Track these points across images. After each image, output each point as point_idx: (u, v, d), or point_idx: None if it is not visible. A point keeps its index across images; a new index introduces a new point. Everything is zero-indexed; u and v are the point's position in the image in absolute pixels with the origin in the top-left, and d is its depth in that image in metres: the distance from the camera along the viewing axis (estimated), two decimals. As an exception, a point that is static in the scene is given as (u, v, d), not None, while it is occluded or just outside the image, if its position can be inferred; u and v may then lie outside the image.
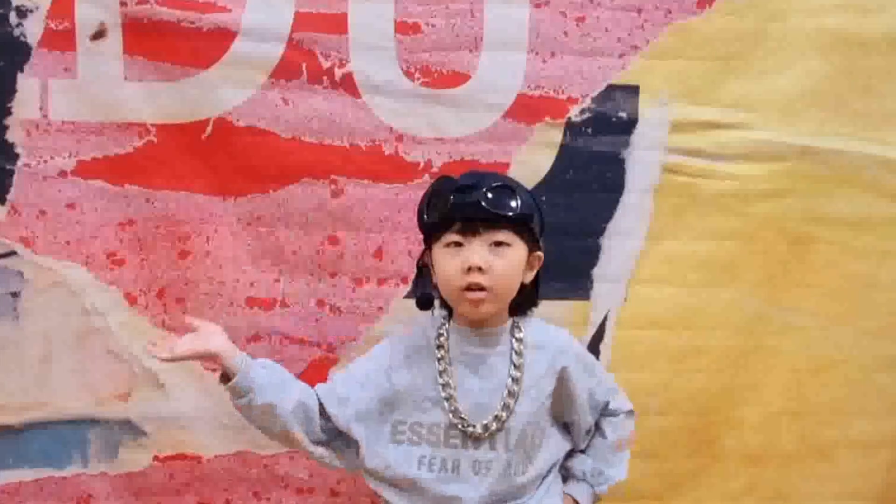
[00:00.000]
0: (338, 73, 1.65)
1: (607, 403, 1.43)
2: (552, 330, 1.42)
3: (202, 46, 1.61)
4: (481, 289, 1.29)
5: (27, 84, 1.61)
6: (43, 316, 1.66)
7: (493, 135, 1.68)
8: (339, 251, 1.68)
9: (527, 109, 1.68)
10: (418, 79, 1.66)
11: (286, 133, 1.65)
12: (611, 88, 1.68)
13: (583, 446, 1.44)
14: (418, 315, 1.40)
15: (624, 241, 1.71)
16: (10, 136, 1.62)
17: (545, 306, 1.43)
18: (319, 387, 1.38)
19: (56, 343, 1.66)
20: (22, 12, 1.60)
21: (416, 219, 1.38)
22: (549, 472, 1.39)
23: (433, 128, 1.67)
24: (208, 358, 1.32)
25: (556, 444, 1.39)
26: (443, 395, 1.33)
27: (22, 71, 1.61)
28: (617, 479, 1.43)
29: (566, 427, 1.42)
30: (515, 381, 1.34)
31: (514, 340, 1.36)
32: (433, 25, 1.65)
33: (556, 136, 1.69)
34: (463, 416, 1.32)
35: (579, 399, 1.38)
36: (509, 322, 1.37)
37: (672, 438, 1.76)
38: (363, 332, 1.69)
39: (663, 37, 1.68)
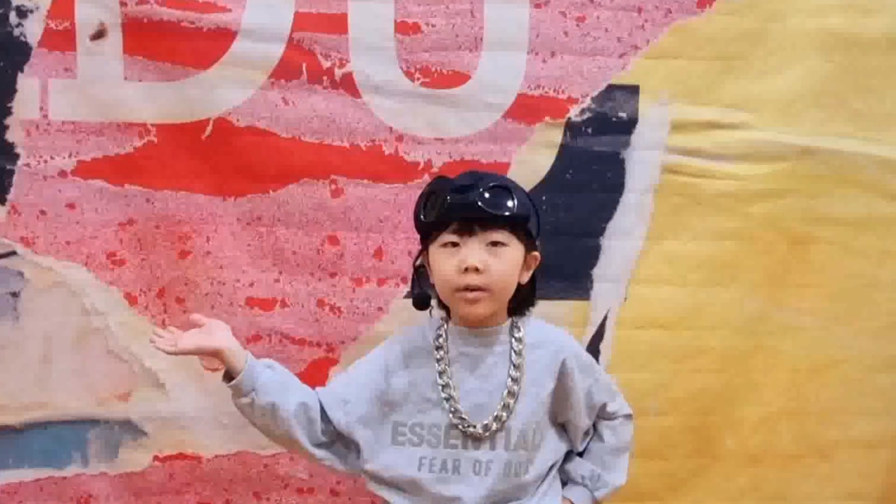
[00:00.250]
0: (338, 73, 1.65)
1: (605, 405, 1.42)
2: (551, 329, 1.42)
3: (202, 46, 1.61)
4: (478, 289, 1.29)
5: (27, 84, 1.61)
6: (43, 316, 1.66)
7: (493, 135, 1.68)
8: (339, 251, 1.68)
9: (527, 109, 1.68)
10: (418, 79, 1.66)
11: (286, 133, 1.65)
12: (611, 88, 1.68)
13: (581, 448, 1.43)
14: (418, 315, 1.40)
15: (624, 241, 1.71)
16: (10, 136, 1.62)
17: (545, 306, 1.44)
18: (319, 390, 1.38)
19: (56, 343, 1.66)
20: (22, 12, 1.60)
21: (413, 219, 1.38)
22: (548, 472, 1.39)
23: (433, 128, 1.67)
24: (212, 355, 1.31)
25: (555, 445, 1.39)
26: (443, 395, 1.33)
27: (22, 71, 1.61)
28: (616, 485, 1.42)
29: (564, 428, 1.42)
30: (515, 380, 1.34)
31: (513, 340, 1.36)
32: (433, 25, 1.65)
33: (556, 136, 1.69)
34: (463, 416, 1.32)
35: (577, 399, 1.38)
36: (508, 322, 1.37)
37: (672, 438, 1.76)
38: (363, 332, 1.69)
39: (663, 37, 1.68)
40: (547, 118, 1.68)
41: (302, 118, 1.65)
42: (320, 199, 1.67)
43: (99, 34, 1.60)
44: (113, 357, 1.67)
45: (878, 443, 1.80)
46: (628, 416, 1.46)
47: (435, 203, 1.30)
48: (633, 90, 1.69)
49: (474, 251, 1.28)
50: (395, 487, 1.35)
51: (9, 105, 1.61)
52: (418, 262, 1.40)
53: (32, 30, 1.60)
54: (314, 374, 1.68)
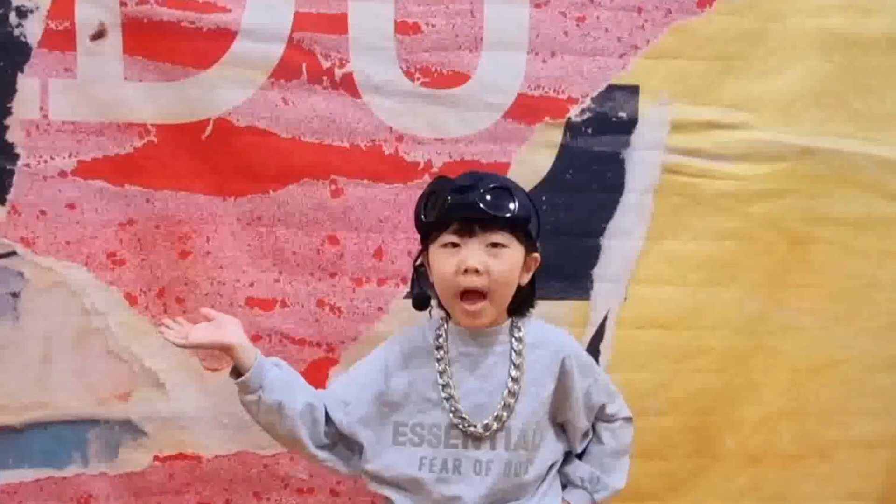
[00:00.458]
0: (338, 73, 1.65)
1: (604, 406, 1.42)
2: (551, 329, 1.42)
3: (202, 46, 1.61)
4: (478, 294, 1.29)
5: (27, 84, 1.61)
6: (43, 316, 1.66)
7: (493, 135, 1.68)
8: (339, 251, 1.68)
9: (527, 109, 1.68)
10: (418, 79, 1.66)
11: (286, 133, 1.65)
12: (611, 88, 1.68)
13: (579, 449, 1.43)
14: (418, 315, 1.40)
15: (624, 241, 1.71)
16: (10, 136, 1.62)
17: (545, 306, 1.44)
18: (320, 392, 1.38)
19: (56, 343, 1.66)
20: (22, 12, 1.60)
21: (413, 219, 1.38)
22: (547, 472, 1.38)
23: (433, 128, 1.67)
24: (222, 349, 1.30)
25: (554, 445, 1.39)
26: (443, 395, 1.33)
27: (22, 71, 1.61)
28: (616, 488, 1.41)
29: (563, 428, 1.42)
30: (515, 380, 1.33)
31: (513, 340, 1.36)
32: (433, 25, 1.65)
33: (556, 136, 1.69)
34: (463, 416, 1.32)
35: (576, 399, 1.37)
36: (508, 322, 1.37)
37: (672, 438, 1.76)
38: (363, 332, 1.69)
39: (663, 37, 1.68)
40: (547, 118, 1.68)
41: (302, 118, 1.65)
42: (320, 199, 1.67)
43: (99, 34, 1.60)
44: (113, 357, 1.67)
45: (878, 443, 1.80)
46: (628, 419, 1.46)
47: (435, 203, 1.30)
48: (633, 90, 1.69)
49: (474, 252, 1.28)
50: (396, 487, 1.35)
51: (9, 105, 1.61)
52: (418, 263, 1.39)
53: (32, 30, 1.60)
54: (314, 374, 1.68)
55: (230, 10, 1.61)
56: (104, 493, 1.70)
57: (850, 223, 1.73)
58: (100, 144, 1.63)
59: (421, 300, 1.37)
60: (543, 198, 1.65)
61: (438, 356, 1.35)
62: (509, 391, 1.33)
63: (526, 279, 1.35)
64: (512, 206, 1.29)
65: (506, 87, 1.67)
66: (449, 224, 1.29)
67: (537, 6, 1.66)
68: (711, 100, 1.69)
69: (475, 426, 1.32)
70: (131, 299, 1.67)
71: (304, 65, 1.64)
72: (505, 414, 1.32)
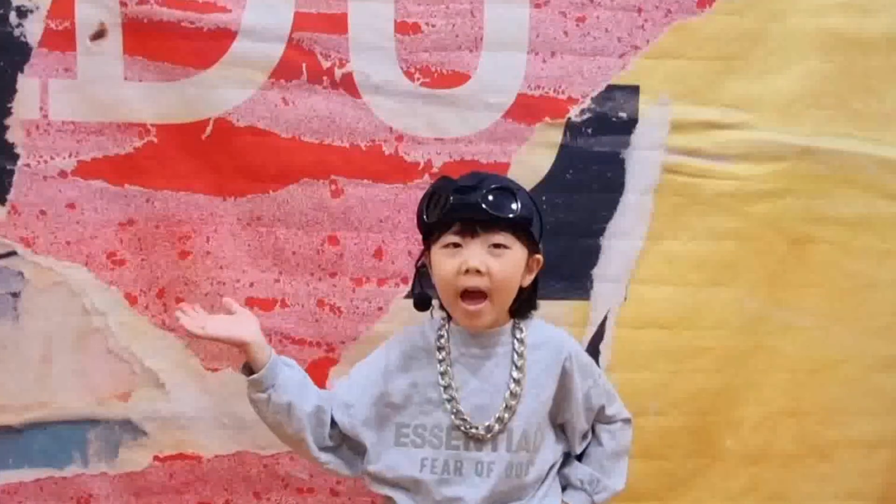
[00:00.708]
0: (338, 73, 1.65)
1: (603, 408, 1.42)
2: (552, 330, 1.42)
3: (202, 46, 1.61)
4: (480, 294, 1.29)
5: (27, 84, 1.61)
6: (43, 316, 1.66)
7: (493, 135, 1.68)
8: (339, 251, 1.68)
9: (527, 109, 1.67)
10: (418, 79, 1.66)
11: (286, 133, 1.65)
12: (611, 88, 1.68)
13: (578, 451, 1.43)
14: (418, 315, 1.40)
15: (624, 241, 1.71)
16: (10, 136, 1.62)
17: (545, 306, 1.43)
18: (327, 395, 1.38)
19: (56, 343, 1.66)
20: (22, 12, 1.60)
21: (415, 219, 1.37)
22: (548, 473, 1.38)
23: (433, 128, 1.67)
24: (238, 345, 1.29)
25: (554, 446, 1.39)
26: (444, 396, 1.33)
27: (22, 71, 1.61)
28: (615, 489, 1.41)
29: (563, 429, 1.42)
30: (517, 382, 1.33)
31: (515, 341, 1.35)
32: (433, 25, 1.65)
33: (556, 136, 1.69)
34: (465, 417, 1.32)
35: (575, 400, 1.37)
36: (510, 323, 1.37)
37: (672, 438, 1.76)
38: (363, 332, 1.69)
39: (663, 37, 1.68)
40: (547, 118, 1.68)
41: (302, 118, 1.65)
42: (320, 199, 1.67)
43: (99, 34, 1.60)
44: (113, 357, 1.67)
45: (878, 443, 1.80)
46: (627, 421, 1.46)
47: (437, 203, 1.30)
48: (633, 90, 1.69)
49: (476, 253, 1.28)
50: (397, 488, 1.35)
51: (9, 105, 1.61)
52: (420, 263, 1.39)
53: (32, 30, 1.60)
54: (314, 374, 1.66)
55: (230, 10, 1.61)
56: (104, 493, 1.70)
57: (850, 223, 1.73)
58: (100, 144, 1.63)
59: (422, 301, 1.37)
60: (543, 198, 1.65)
61: (440, 357, 1.35)
62: (511, 392, 1.33)
63: (528, 280, 1.35)
64: (514, 206, 1.28)
65: (506, 87, 1.67)
66: (451, 224, 1.29)
67: (537, 6, 1.66)
68: (711, 100, 1.69)
69: (477, 427, 1.32)
70: (131, 299, 1.67)
71: (304, 65, 1.64)
72: (506, 415, 1.32)
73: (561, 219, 1.66)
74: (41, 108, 1.62)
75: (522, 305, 1.37)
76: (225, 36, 1.61)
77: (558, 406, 1.38)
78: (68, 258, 1.65)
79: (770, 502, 1.80)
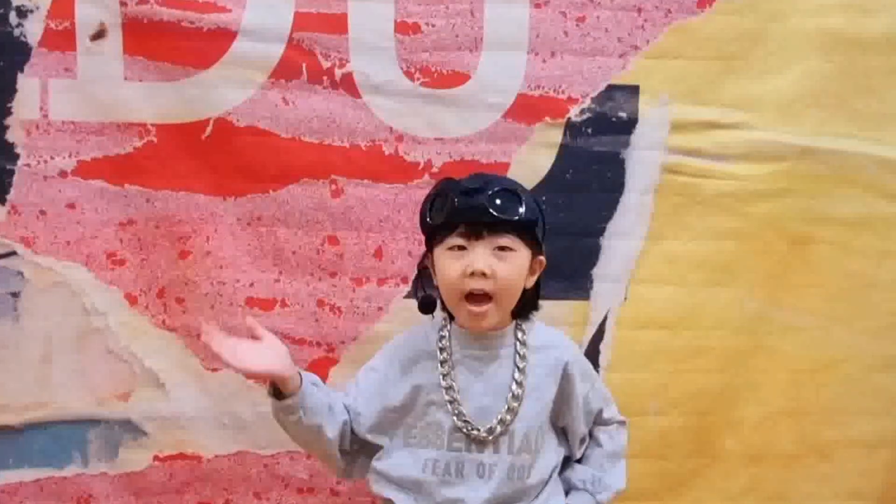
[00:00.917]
0: (338, 73, 1.65)
1: (601, 411, 1.42)
2: (553, 333, 1.41)
3: (202, 46, 1.61)
4: (485, 296, 1.28)
5: (27, 84, 1.61)
6: (43, 316, 1.66)
7: (493, 135, 1.68)
8: (339, 251, 1.68)
9: (527, 109, 1.67)
10: (418, 79, 1.66)
11: (286, 133, 1.65)
12: (611, 88, 1.68)
13: (578, 455, 1.42)
14: (419, 316, 1.40)
15: (624, 241, 1.71)
16: (10, 136, 1.62)
17: (545, 306, 1.43)
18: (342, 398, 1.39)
19: (56, 343, 1.66)
20: (22, 12, 1.60)
21: (415, 219, 1.37)
22: (550, 476, 1.38)
23: (433, 128, 1.67)
24: (268, 378, 1.28)
25: (556, 449, 1.39)
26: (446, 398, 1.32)
27: (22, 71, 1.61)
28: (617, 488, 1.40)
29: (564, 432, 1.41)
30: (519, 384, 1.33)
31: (517, 343, 1.35)
32: (433, 25, 1.65)
33: (556, 136, 1.69)
34: (467, 419, 1.32)
35: (576, 404, 1.37)
36: (512, 325, 1.37)
37: (672, 438, 1.76)
38: (363, 332, 1.69)
39: (663, 37, 1.68)
40: (547, 118, 1.68)
41: (302, 118, 1.65)
42: (320, 199, 1.67)
43: (99, 34, 1.60)
44: (113, 357, 1.67)
45: (878, 443, 1.80)
46: (622, 424, 1.45)
47: (442, 205, 1.29)
48: (633, 90, 1.69)
49: (481, 255, 1.27)
50: (400, 487, 1.35)
51: (9, 105, 1.61)
52: (421, 264, 1.39)
53: (32, 30, 1.60)
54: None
55: (230, 10, 1.61)
56: (104, 493, 1.70)
57: (850, 223, 1.73)
58: (100, 144, 1.63)
59: (427, 304, 1.37)
60: (543, 198, 1.64)
61: (441, 358, 1.34)
62: (513, 394, 1.32)
63: (531, 282, 1.35)
64: (520, 209, 1.28)
65: (506, 87, 1.67)
66: (455, 226, 1.28)
67: (537, 6, 1.66)
68: (711, 100, 1.69)
69: (478, 429, 1.31)
70: (131, 299, 1.67)
71: (304, 65, 1.64)
72: (508, 417, 1.32)
73: (561, 219, 1.66)
74: (41, 108, 1.62)
75: (524, 307, 1.36)
76: (225, 36, 1.61)
77: (559, 409, 1.37)
78: (68, 258, 1.65)
79: (770, 502, 1.80)
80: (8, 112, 1.61)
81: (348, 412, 1.36)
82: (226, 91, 1.63)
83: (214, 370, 1.69)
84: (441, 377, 1.33)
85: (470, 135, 1.68)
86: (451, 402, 1.32)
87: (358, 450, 1.38)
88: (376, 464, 1.37)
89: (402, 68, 1.65)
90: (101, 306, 1.66)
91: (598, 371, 1.71)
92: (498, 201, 1.27)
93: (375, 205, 1.67)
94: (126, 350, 1.67)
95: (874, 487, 1.81)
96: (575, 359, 1.38)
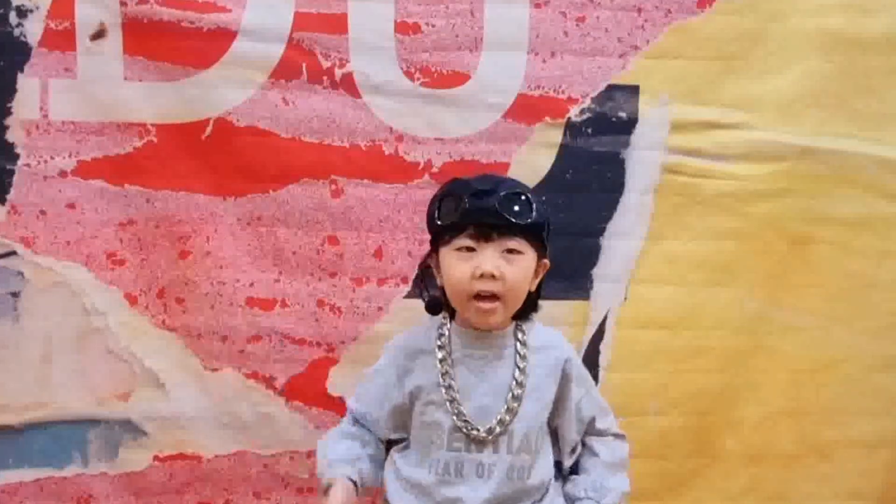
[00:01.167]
0: (338, 73, 1.65)
1: (594, 420, 1.39)
2: (552, 334, 1.41)
3: (202, 46, 1.61)
4: (493, 296, 1.28)
5: (27, 84, 1.61)
6: (43, 316, 1.66)
7: (493, 135, 1.68)
8: (339, 251, 1.68)
9: (527, 109, 1.67)
10: (418, 79, 1.66)
11: (286, 133, 1.65)
12: (611, 88, 1.68)
13: (567, 463, 1.40)
14: (418, 315, 1.40)
15: (624, 241, 1.71)
16: (10, 136, 1.62)
17: (545, 306, 1.43)
18: (354, 408, 1.40)
19: (56, 343, 1.66)
20: (22, 12, 1.60)
21: (416, 219, 1.37)
22: (550, 478, 1.38)
23: (433, 128, 1.67)
24: None
25: (551, 449, 1.39)
26: (446, 397, 1.32)
27: (22, 71, 1.61)
28: (622, 489, 1.37)
29: (555, 434, 1.40)
30: (520, 384, 1.33)
31: (517, 343, 1.35)
32: (433, 25, 1.65)
33: (556, 136, 1.69)
34: (467, 418, 1.31)
35: (569, 408, 1.37)
36: (512, 325, 1.37)
37: (672, 438, 1.76)
38: (363, 332, 1.69)
39: (663, 37, 1.68)
40: (547, 118, 1.68)
41: (302, 118, 1.65)
42: (320, 199, 1.67)
43: (99, 34, 1.60)
44: (113, 357, 1.67)
45: (878, 443, 1.80)
46: (620, 437, 1.42)
47: (452, 206, 1.28)
48: (633, 90, 1.69)
49: (490, 258, 1.27)
50: (405, 487, 1.35)
51: (9, 105, 1.61)
52: (425, 264, 1.39)
53: (32, 30, 1.60)
54: (314, 374, 1.69)
55: (230, 10, 1.61)
56: (104, 493, 1.70)
57: (850, 223, 1.73)
58: (100, 144, 1.63)
59: (434, 305, 1.37)
60: (543, 198, 1.64)
61: (440, 356, 1.34)
62: (513, 395, 1.32)
63: (535, 284, 1.35)
64: (531, 213, 1.28)
65: (506, 87, 1.67)
66: (464, 228, 1.28)
67: (537, 6, 1.66)
68: (711, 100, 1.69)
69: (478, 429, 1.31)
70: (131, 299, 1.67)
71: (304, 65, 1.64)
72: (508, 417, 1.31)
73: (561, 219, 1.65)
74: (41, 108, 1.62)
75: (525, 308, 1.36)
76: (225, 36, 1.61)
77: (555, 410, 1.37)
78: (68, 258, 1.65)
79: (770, 502, 1.80)
80: (8, 112, 1.61)
81: (367, 424, 1.39)
82: (226, 91, 1.63)
83: (214, 370, 1.69)
84: (440, 376, 1.33)
85: (470, 135, 1.68)
86: (450, 402, 1.32)
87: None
88: (396, 454, 1.38)
89: (402, 68, 1.65)
90: (101, 306, 1.66)
91: (598, 371, 1.71)
92: (509, 204, 1.26)
93: (375, 205, 1.67)
94: (126, 350, 1.67)
95: (874, 487, 1.81)
96: (573, 361, 1.38)
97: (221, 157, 1.65)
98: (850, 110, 1.70)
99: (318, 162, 1.66)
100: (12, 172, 1.62)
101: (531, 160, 1.68)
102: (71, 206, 1.64)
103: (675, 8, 1.67)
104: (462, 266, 1.28)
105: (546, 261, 1.35)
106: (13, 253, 1.64)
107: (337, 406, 1.65)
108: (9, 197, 1.63)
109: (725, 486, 1.78)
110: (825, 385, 1.77)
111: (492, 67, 1.66)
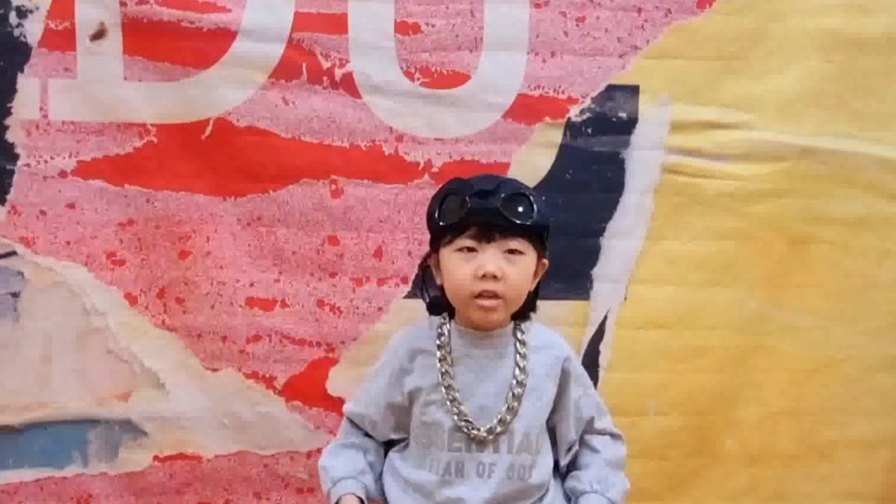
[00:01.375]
0: (338, 73, 1.65)
1: (592, 420, 1.39)
2: (551, 333, 1.41)
3: (202, 46, 1.61)
4: (494, 295, 1.28)
5: (27, 84, 1.61)
6: (43, 316, 1.66)
7: (493, 135, 1.68)
8: (339, 251, 1.68)
9: (527, 109, 1.67)
10: (418, 79, 1.66)
11: (286, 133, 1.65)
12: (611, 88, 1.68)
13: (564, 461, 1.39)
14: (418, 315, 1.40)
15: (624, 241, 1.71)
16: (10, 136, 1.62)
17: (545, 306, 1.43)
18: (350, 412, 1.40)
19: (56, 343, 1.66)
20: (22, 12, 1.60)
21: (416, 219, 1.37)
22: (550, 477, 1.38)
23: (433, 128, 1.67)
24: None
25: (552, 450, 1.39)
26: (447, 397, 1.32)
27: (22, 71, 1.61)
28: (625, 487, 1.37)
29: (553, 433, 1.40)
30: (520, 383, 1.33)
31: (517, 343, 1.35)
32: (433, 25, 1.65)
33: (556, 136, 1.69)
34: (468, 418, 1.31)
35: (566, 406, 1.37)
36: (511, 325, 1.36)
37: (672, 438, 1.76)
38: (363, 332, 1.69)
39: (663, 37, 1.68)
40: (547, 118, 1.68)
41: (302, 118, 1.65)
42: (320, 199, 1.67)
43: (99, 34, 1.60)
44: (113, 357, 1.67)
45: (877, 443, 1.80)
46: (617, 437, 1.42)
47: (453, 206, 1.28)
48: (633, 90, 1.69)
49: (492, 258, 1.26)
50: (405, 487, 1.35)
51: (9, 105, 1.61)
52: (425, 263, 1.39)
53: (32, 30, 1.60)
54: (314, 374, 1.69)
55: (230, 10, 1.61)
56: (104, 493, 1.70)
57: (850, 223, 1.73)
58: (100, 144, 1.63)
59: (436, 306, 1.37)
60: (543, 198, 1.64)
61: (440, 356, 1.34)
62: (513, 394, 1.32)
63: (534, 284, 1.35)
64: (532, 213, 1.28)
65: (506, 87, 1.67)
66: (466, 228, 1.27)
67: (537, 6, 1.66)
68: (711, 100, 1.69)
69: (479, 429, 1.31)
70: (131, 299, 1.67)
71: (304, 65, 1.64)
72: (508, 416, 1.31)
73: (561, 219, 1.65)
74: (41, 108, 1.62)
75: (524, 307, 1.36)
76: (225, 36, 1.61)
77: (554, 408, 1.37)
78: (68, 258, 1.65)
79: (770, 502, 1.80)
80: (8, 112, 1.61)
81: (364, 426, 1.39)
82: (226, 91, 1.63)
83: (214, 370, 1.69)
84: (441, 376, 1.33)
85: (470, 135, 1.68)
86: (451, 402, 1.32)
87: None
88: (393, 454, 1.38)
89: (402, 68, 1.65)
90: (101, 306, 1.66)
91: (598, 371, 1.71)
92: (512, 205, 1.26)
93: (375, 205, 1.67)
94: (126, 350, 1.67)
95: (874, 487, 1.81)
96: (572, 361, 1.38)
97: (221, 158, 1.65)
98: (850, 110, 1.70)
99: (318, 162, 1.66)
100: (12, 172, 1.63)
101: (531, 160, 1.68)
102: (71, 206, 1.64)
103: (675, 8, 1.67)
104: (464, 266, 1.28)
105: (546, 260, 1.35)
106: (13, 253, 1.64)
107: (337, 406, 1.64)
108: (9, 197, 1.63)
109: (725, 486, 1.78)
110: (825, 385, 1.77)
111: (492, 67, 1.66)
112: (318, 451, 1.52)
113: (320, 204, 1.67)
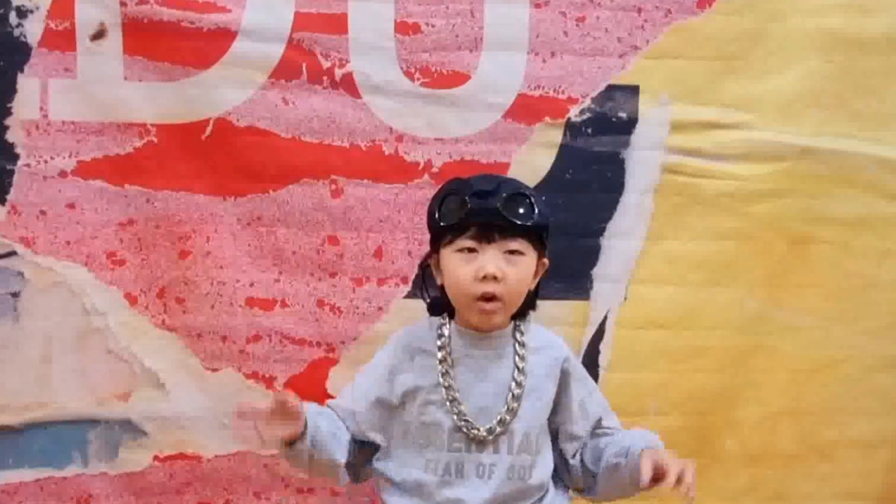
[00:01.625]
0: (338, 73, 1.65)
1: (600, 419, 1.39)
2: (551, 334, 1.41)
3: (202, 46, 1.61)
4: (495, 298, 1.28)
5: (27, 84, 1.61)
6: (43, 316, 1.66)
7: (493, 135, 1.68)
8: (339, 251, 1.68)
9: (527, 109, 1.67)
10: (418, 79, 1.66)
11: (286, 133, 1.65)
12: (611, 88, 1.68)
13: (571, 453, 1.38)
14: (418, 315, 1.40)
15: (624, 241, 1.71)
16: (10, 136, 1.62)
17: (545, 306, 1.43)
18: (334, 404, 1.38)
19: (56, 343, 1.66)
20: (22, 12, 1.60)
21: (416, 219, 1.37)
22: (550, 477, 1.38)
23: (433, 128, 1.67)
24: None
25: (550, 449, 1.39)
26: (447, 397, 1.32)
27: (22, 71, 1.61)
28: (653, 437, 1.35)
29: (556, 435, 1.40)
30: (519, 384, 1.33)
31: (516, 343, 1.35)
32: (433, 25, 1.65)
33: (556, 136, 1.69)
34: (467, 418, 1.31)
35: (570, 406, 1.37)
36: (511, 325, 1.37)
37: (672, 438, 1.74)
38: (363, 332, 1.69)
39: (663, 37, 1.68)
40: (547, 118, 1.68)
41: (302, 118, 1.65)
42: (320, 199, 1.67)
43: (99, 34, 1.60)
44: (113, 357, 1.67)
45: (877, 443, 1.80)
46: None
47: (453, 206, 1.28)
48: (633, 90, 1.69)
49: (492, 259, 1.26)
50: (399, 488, 1.34)
51: (9, 105, 1.61)
52: (425, 263, 1.39)
53: (32, 30, 1.60)
54: (314, 374, 1.69)
55: (230, 10, 1.61)
56: (104, 493, 1.70)
57: (850, 223, 1.73)
58: (100, 144, 1.63)
59: (437, 306, 1.37)
60: (543, 198, 1.64)
61: (440, 356, 1.34)
62: (513, 394, 1.32)
63: (534, 284, 1.35)
64: (533, 214, 1.28)
65: (506, 87, 1.67)
66: (466, 228, 1.27)
67: (537, 6, 1.66)
68: (711, 100, 1.69)
69: (479, 429, 1.31)
70: (131, 299, 1.67)
71: (304, 65, 1.64)
72: (508, 417, 1.31)
73: (561, 219, 1.65)
74: (41, 108, 1.62)
75: (524, 307, 1.36)
76: (225, 36, 1.61)
77: (555, 410, 1.37)
78: (68, 258, 1.65)
79: (770, 502, 1.80)
80: (8, 112, 1.61)
81: (341, 414, 1.35)
82: (226, 91, 1.63)
83: (214, 370, 1.69)
84: (440, 376, 1.33)
85: (470, 135, 1.68)
86: (451, 402, 1.32)
87: (360, 457, 1.38)
88: (377, 464, 1.36)
89: (402, 68, 1.65)
90: (101, 306, 1.66)
91: (598, 371, 1.71)
92: (512, 205, 1.26)
93: (375, 205, 1.67)
94: (126, 350, 1.67)
95: (874, 487, 1.81)
96: (573, 362, 1.38)
97: (221, 157, 1.65)
98: (850, 110, 1.70)
99: (318, 162, 1.66)
100: (12, 172, 1.62)
101: (531, 160, 1.68)
102: (71, 206, 1.64)
103: (675, 8, 1.67)
104: (464, 268, 1.28)
105: (546, 260, 1.35)
106: (13, 253, 1.64)
107: (337, 406, 1.65)
108: (9, 197, 1.63)
109: (725, 486, 1.78)
110: (825, 385, 1.77)
111: (492, 67, 1.66)
112: (318, 451, 1.52)
113: (320, 204, 1.67)
